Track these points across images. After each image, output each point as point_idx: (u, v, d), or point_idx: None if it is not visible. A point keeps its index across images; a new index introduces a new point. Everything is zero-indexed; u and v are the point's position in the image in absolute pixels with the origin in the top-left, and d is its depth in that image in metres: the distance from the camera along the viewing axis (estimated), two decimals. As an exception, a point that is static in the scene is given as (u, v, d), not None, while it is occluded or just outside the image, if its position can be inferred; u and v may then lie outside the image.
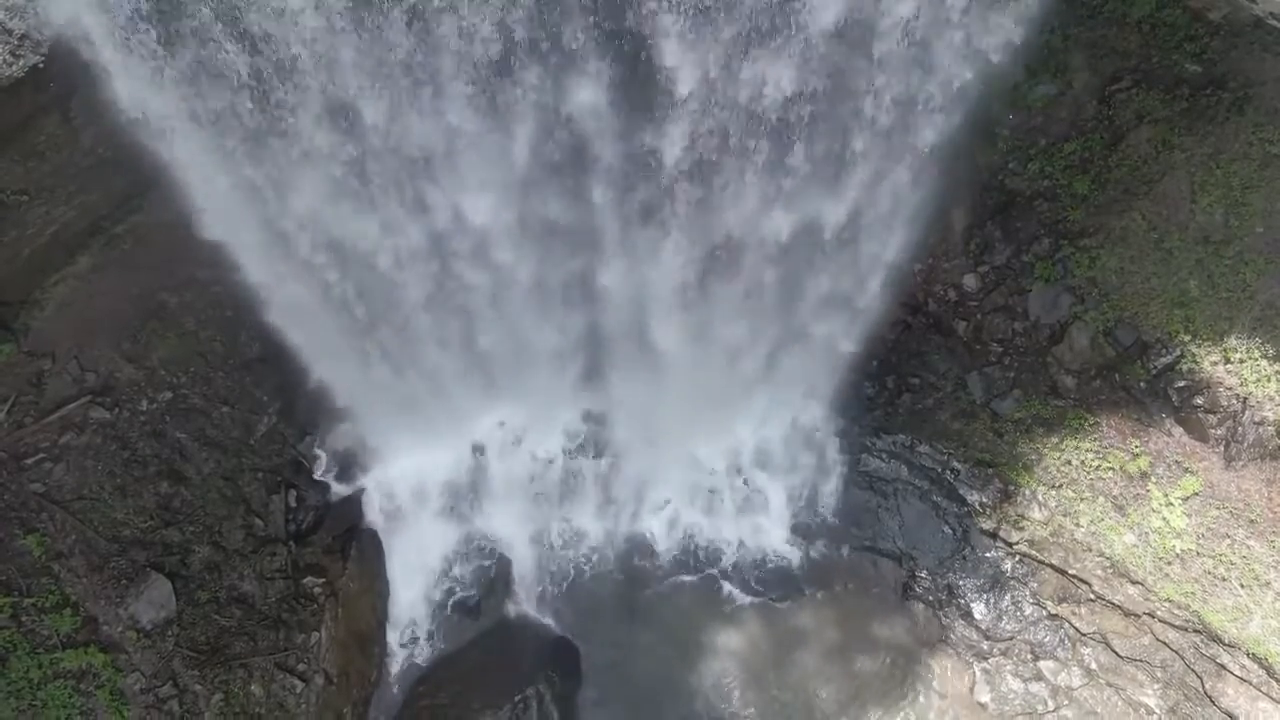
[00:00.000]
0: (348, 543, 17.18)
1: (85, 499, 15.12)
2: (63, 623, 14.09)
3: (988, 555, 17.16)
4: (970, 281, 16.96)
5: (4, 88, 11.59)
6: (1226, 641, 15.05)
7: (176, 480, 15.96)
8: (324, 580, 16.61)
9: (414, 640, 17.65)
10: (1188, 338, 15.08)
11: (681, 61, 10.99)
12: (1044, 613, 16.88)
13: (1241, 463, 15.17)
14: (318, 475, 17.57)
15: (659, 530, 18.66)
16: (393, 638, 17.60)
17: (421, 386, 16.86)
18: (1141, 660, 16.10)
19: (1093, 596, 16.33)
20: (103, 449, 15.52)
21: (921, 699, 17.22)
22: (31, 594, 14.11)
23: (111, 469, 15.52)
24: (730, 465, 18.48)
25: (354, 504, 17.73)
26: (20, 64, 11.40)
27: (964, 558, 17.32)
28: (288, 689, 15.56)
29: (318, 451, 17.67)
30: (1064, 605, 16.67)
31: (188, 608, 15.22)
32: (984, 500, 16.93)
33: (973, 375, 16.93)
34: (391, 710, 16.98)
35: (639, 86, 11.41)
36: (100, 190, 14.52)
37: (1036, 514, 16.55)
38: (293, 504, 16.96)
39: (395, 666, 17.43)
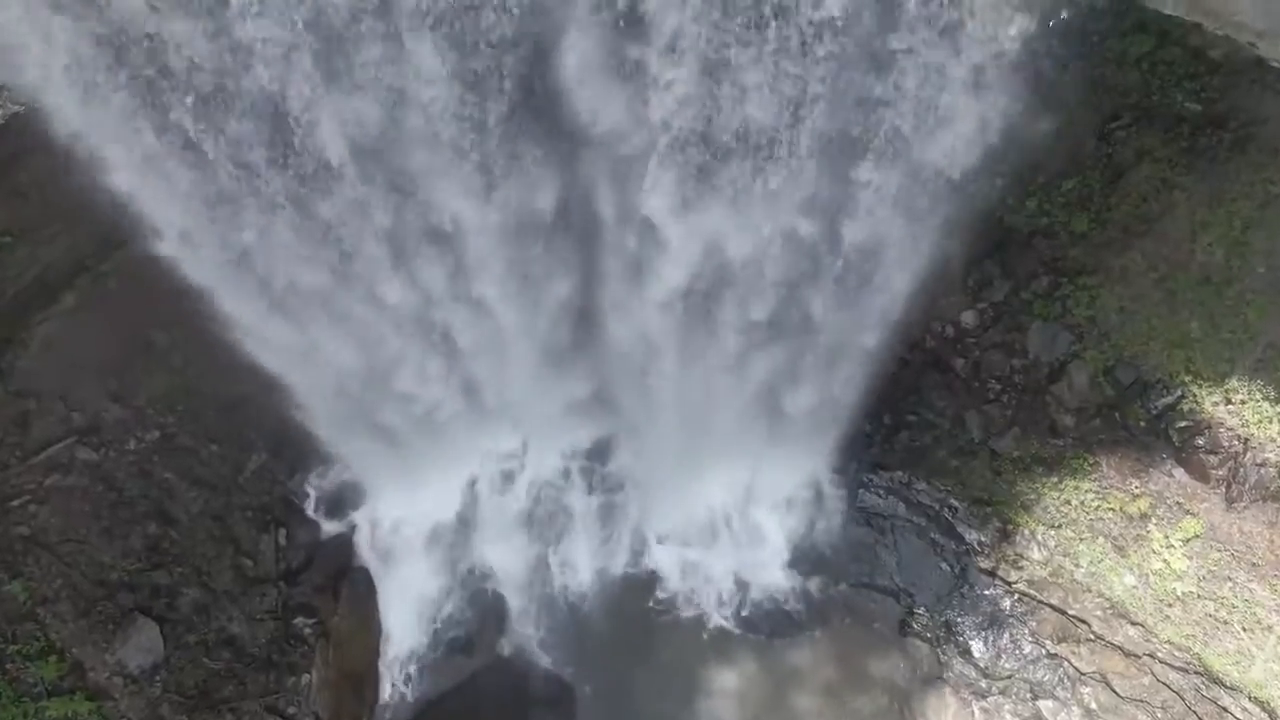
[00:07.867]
0: (339, 581, 17.00)
1: (71, 541, 14.92)
2: (48, 670, 13.91)
3: (986, 593, 16.94)
4: (969, 318, 16.77)
5: (-14, 134, 11.53)
6: (1228, 685, 14.83)
7: (164, 521, 15.74)
8: (315, 620, 16.44)
9: (407, 679, 17.35)
10: (1189, 378, 14.88)
11: None
12: (1043, 651, 16.67)
13: (1243, 504, 14.98)
14: (308, 513, 17.36)
15: (655, 566, 18.38)
16: (385, 677, 17.36)
17: (411, 421, 16.62)
18: (1142, 700, 15.87)
19: (1092, 636, 16.12)
20: (89, 490, 15.31)
21: (920, 737, 17.05)
22: (16, 640, 13.94)
23: (98, 510, 15.32)
24: (728, 500, 18.28)
25: (345, 542, 17.52)
26: (1, 112, 11.36)
27: (962, 595, 17.11)
28: (278, 733, 15.39)
29: (308, 489, 17.45)
30: (1063, 644, 16.46)
31: (176, 652, 15.04)
32: (982, 539, 16.73)
33: (971, 413, 16.72)
34: (384, 751, 16.83)
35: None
36: (85, 229, 14.36)
37: (1035, 554, 16.36)
38: (283, 543, 16.72)
39: (388, 706, 17.18)
